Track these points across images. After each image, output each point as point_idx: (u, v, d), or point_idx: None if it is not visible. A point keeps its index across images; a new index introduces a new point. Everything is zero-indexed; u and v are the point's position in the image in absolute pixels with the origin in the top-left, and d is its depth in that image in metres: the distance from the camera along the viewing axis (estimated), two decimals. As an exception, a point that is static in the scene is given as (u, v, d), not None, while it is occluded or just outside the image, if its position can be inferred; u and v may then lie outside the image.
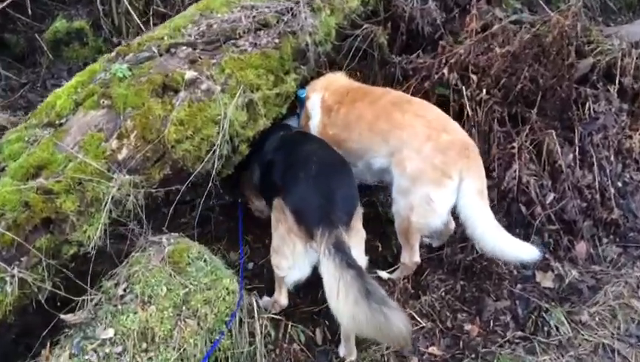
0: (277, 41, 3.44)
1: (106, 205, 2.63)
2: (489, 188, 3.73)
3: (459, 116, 4.04)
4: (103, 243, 2.65)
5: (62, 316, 2.47)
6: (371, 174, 3.56)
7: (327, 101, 3.58)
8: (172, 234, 2.91)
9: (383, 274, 3.46)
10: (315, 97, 3.64)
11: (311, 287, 3.21)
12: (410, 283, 3.30)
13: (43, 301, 2.48)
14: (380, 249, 3.63)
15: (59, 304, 2.54)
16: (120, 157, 2.73)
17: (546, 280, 3.46)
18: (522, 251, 3.08)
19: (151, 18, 4.99)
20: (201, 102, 2.97)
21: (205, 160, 2.98)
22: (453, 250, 3.59)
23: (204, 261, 2.76)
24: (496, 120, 4.01)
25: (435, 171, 3.17)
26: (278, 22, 3.54)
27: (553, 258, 3.59)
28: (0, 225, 2.39)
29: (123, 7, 5.01)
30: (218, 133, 3.00)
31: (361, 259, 2.84)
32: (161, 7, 5.04)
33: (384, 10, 4.69)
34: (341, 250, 2.60)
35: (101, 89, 2.85)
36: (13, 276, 2.39)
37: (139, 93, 2.85)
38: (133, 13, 4.91)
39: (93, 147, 2.68)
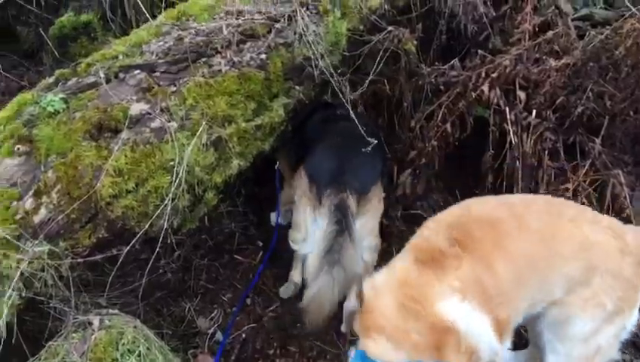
0: (263, 56, 2.68)
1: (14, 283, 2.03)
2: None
3: (500, 145, 3.17)
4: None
5: None
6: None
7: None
8: (109, 310, 2.29)
9: None
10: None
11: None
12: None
13: None
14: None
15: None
16: (36, 220, 2.10)
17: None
18: None
19: (163, 10, 4.35)
20: (148, 145, 2.28)
21: (154, 216, 2.31)
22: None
23: (139, 355, 2.11)
24: (547, 151, 3.10)
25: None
26: (269, 31, 2.78)
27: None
28: None
29: (133, -3, 4.37)
30: (171, 183, 2.31)
31: (368, 233, 2.72)
32: (172, -4, 4.35)
33: (420, 4, 3.81)
34: (340, 210, 2.52)
35: (24, 128, 2.21)
36: None
37: (68, 135, 2.20)
38: (140, 3, 4.25)
39: (2, 208, 2.06)
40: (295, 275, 3.04)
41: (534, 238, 2.10)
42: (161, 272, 3.04)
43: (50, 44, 4.39)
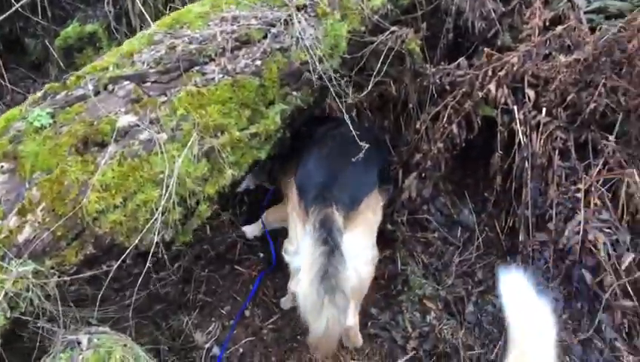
0: (259, 62, 2.58)
1: (-2, 304, 1.96)
2: (543, 243, 2.74)
3: (508, 145, 3.02)
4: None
5: None
6: None
7: None
8: (99, 328, 2.22)
9: None
10: None
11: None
12: None
13: None
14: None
15: None
16: (21, 238, 2.03)
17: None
18: None
19: (168, 19, 4.28)
20: (136, 158, 2.20)
21: (144, 231, 2.23)
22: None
23: (127, 375, 2.03)
24: (557, 150, 2.94)
25: None
26: (265, 37, 2.67)
27: (627, 348, 2.54)
28: None
29: (137, 8, 4.31)
30: (161, 196, 2.23)
31: (362, 248, 2.55)
32: (179, 5, 4.26)
33: (425, 2, 3.67)
34: (325, 227, 2.35)
35: (10, 145, 2.15)
36: None
37: (54, 151, 2.13)
38: (145, 13, 4.18)
39: (-15, 227, 2.00)
40: (294, 285, 2.92)
41: None
42: (161, 284, 2.96)
43: (56, 55, 4.36)
